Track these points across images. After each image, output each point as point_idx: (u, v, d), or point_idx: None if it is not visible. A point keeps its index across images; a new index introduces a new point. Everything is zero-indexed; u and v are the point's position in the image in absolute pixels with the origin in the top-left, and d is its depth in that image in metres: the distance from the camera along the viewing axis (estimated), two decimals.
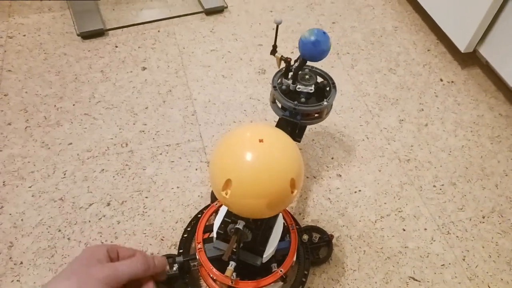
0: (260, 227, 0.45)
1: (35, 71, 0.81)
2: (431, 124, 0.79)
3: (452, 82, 0.87)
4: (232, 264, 0.45)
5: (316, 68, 0.58)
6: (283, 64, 0.54)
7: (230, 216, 0.44)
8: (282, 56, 0.53)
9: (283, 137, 0.41)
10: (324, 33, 0.50)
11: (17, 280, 0.56)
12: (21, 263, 0.57)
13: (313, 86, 0.55)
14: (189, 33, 0.92)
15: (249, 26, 0.95)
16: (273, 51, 0.53)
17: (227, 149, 0.40)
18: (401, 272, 0.60)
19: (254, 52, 0.89)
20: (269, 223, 0.48)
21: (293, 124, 0.57)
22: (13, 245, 0.59)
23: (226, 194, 0.38)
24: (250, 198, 0.38)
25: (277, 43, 0.52)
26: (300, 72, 0.55)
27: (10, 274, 0.56)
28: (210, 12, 0.97)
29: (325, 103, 0.55)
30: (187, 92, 0.80)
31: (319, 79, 0.58)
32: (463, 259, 0.62)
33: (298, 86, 0.55)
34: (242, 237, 0.43)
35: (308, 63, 0.53)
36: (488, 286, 0.60)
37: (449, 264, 0.61)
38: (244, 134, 0.40)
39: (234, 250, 0.44)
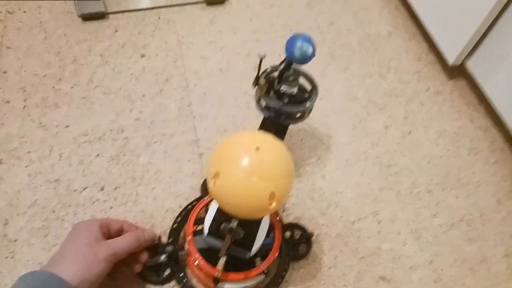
0: (251, 226, 0.49)
1: (34, 50, 0.82)
2: (415, 132, 0.83)
3: (438, 92, 0.91)
4: (223, 258, 0.49)
5: (300, 69, 0.60)
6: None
7: (223, 215, 0.47)
8: (266, 80, 0.56)
9: (279, 148, 0.44)
10: (310, 39, 0.52)
11: (11, 257, 0.59)
12: (15, 240, 0.60)
13: (296, 88, 0.58)
14: (189, 22, 0.93)
15: (249, 20, 0.97)
16: (255, 83, 0.56)
17: (225, 148, 0.43)
18: (373, 271, 0.65)
19: (252, 47, 0.91)
20: (258, 220, 0.52)
21: (277, 124, 0.60)
22: (8, 222, 0.62)
23: (214, 184, 0.41)
24: (233, 196, 0.41)
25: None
26: (285, 73, 0.58)
27: (4, 251, 0.59)
28: (211, 2, 0.98)
29: (308, 104, 0.58)
30: (184, 83, 0.83)
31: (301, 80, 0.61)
32: (431, 263, 0.67)
33: (282, 87, 0.57)
34: (235, 234, 0.47)
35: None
36: None
37: (418, 266, 0.66)
38: (243, 139, 0.43)
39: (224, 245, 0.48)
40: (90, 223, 0.53)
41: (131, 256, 0.54)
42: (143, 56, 0.85)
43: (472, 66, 0.86)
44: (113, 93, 0.79)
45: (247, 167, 0.41)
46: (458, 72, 0.94)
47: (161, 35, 0.90)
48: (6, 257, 0.59)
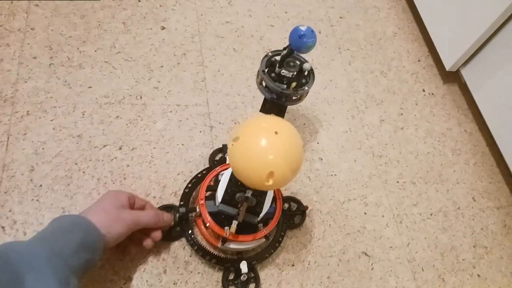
0: (261, 195, 0.56)
1: (61, 11, 0.86)
2: (406, 128, 0.91)
3: (432, 94, 0.98)
4: (235, 222, 0.56)
5: (299, 56, 0.66)
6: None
7: (238, 187, 0.54)
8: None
9: (294, 130, 0.51)
10: (312, 31, 0.59)
11: (37, 200, 0.65)
12: (41, 185, 0.66)
13: (295, 72, 0.64)
14: (208, 0, 0.98)
15: (264, 5, 1.02)
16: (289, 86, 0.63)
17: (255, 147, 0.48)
18: (357, 247, 0.73)
19: (265, 31, 0.97)
20: (265, 191, 0.59)
21: (279, 105, 0.67)
22: (34, 169, 0.67)
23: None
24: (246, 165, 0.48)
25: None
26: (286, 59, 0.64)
27: (30, 194, 0.65)
28: None
29: (306, 88, 0.65)
30: (200, 58, 0.88)
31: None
32: (407, 245, 0.75)
33: (283, 71, 0.64)
34: (249, 202, 0.53)
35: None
36: (422, 269, 0.73)
37: (396, 247, 0.75)
38: (259, 130, 0.49)
39: (239, 212, 0.55)
40: (120, 192, 0.59)
41: (145, 233, 0.61)
42: (163, 28, 0.90)
43: (466, 74, 0.93)
44: (133, 60, 0.84)
45: (265, 146, 0.47)
46: (452, 77, 1.01)
47: (182, 10, 0.94)
48: (32, 200, 0.65)
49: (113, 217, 0.53)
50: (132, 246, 0.61)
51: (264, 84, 0.65)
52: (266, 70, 0.64)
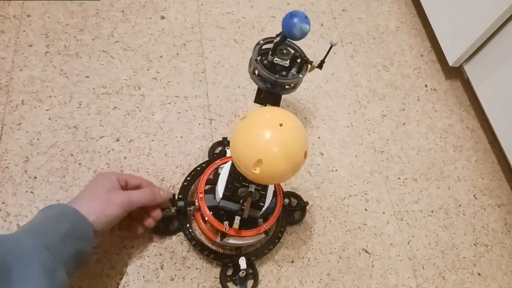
0: (263, 189, 0.55)
1: None
2: (408, 124, 0.90)
3: (435, 89, 0.97)
4: (237, 218, 0.55)
5: (294, 43, 0.64)
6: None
7: (240, 181, 0.52)
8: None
9: (296, 120, 0.49)
10: (306, 17, 0.56)
11: (31, 192, 0.63)
12: (35, 177, 0.65)
13: (288, 60, 0.62)
14: None
15: None
16: (320, 67, 0.62)
17: (254, 130, 0.47)
18: (357, 244, 0.72)
19: (267, 23, 0.95)
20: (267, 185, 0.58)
21: (274, 94, 0.65)
22: (28, 160, 0.66)
23: (255, 170, 0.45)
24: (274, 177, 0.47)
25: None
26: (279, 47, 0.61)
27: (24, 185, 0.63)
28: None
29: (301, 75, 0.63)
30: (200, 49, 0.86)
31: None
32: (408, 242, 0.75)
33: (276, 59, 0.62)
34: (253, 197, 0.52)
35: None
36: (423, 267, 0.73)
37: (396, 244, 0.74)
38: (265, 117, 0.47)
39: (243, 208, 0.54)
40: (109, 173, 0.57)
41: (145, 212, 0.59)
42: (163, 18, 0.88)
43: (469, 69, 0.92)
44: (132, 50, 0.82)
45: (261, 133, 0.45)
46: (455, 73, 1.00)
47: (182, 0, 0.92)
48: (26, 192, 0.63)
49: (103, 202, 0.52)
50: (138, 225, 0.59)
51: (257, 73, 0.63)
52: (259, 58, 0.62)
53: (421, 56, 1.02)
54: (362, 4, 1.07)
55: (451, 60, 0.94)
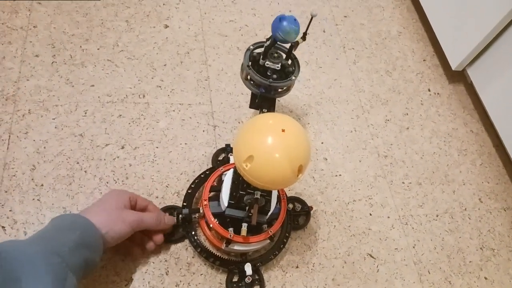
0: (268, 195, 0.55)
1: (64, 8, 0.85)
2: (411, 128, 0.90)
3: (438, 94, 0.97)
4: (245, 225, 0.55)
5: (284, 47, 0.65)
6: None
7: (245, 189, 0.53)
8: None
9: (300, 129, 0.50)
10: (295, 20, 0.57)
11: (38, 199, 0.64)
12: (42, 185, 0.65)
13: (279, 64, 0.62)
14: None
15: (268, 3, 1.01)
16: (303, 38, 0.61)
17: (253, 131, 0.48)
18: (362, 248, 0.72)
19: (269, 30, 0.95)
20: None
21: (269, 99, 0.66)
22: (35, 168, 0.67)
23: (246, 166, 0.46)
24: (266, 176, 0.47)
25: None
26: (270, 51, 0.62)
27: (31, 193, 0.64)
28: None
29: (293, 78, 0.63)
30: (203, 57, 0.87)
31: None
32: (413, 247, 0.74)
33: (267, 62, 0.62)
34: (259, 203, 0.52)
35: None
36: (428, 271, 0.72)
37: (401, 248, 0.73)
38: (268, 122, 0.48)
39: (250, 214, 0.54)
40: (122, 191, 0.59)
41: (147, 235, 0.60)
42: (166, 27, 0.89)
43: (473, 73, 0.92)
44: (136, 59, 0.83)
45: (277, 149, 0.46)
46: (458, 77, 1.00)
47: (185, 9, 0.94)
48: (33, 199, 0.64)
49: (114, 217, 0.53)
50: (135, 248, 0.60)
51: (249, 78, 0.64)
52: (250, 64, 0.62)
53: (423, 60, 1.02)
54: (364, 10, 1.07)
55: (454, 64, 0.94)
